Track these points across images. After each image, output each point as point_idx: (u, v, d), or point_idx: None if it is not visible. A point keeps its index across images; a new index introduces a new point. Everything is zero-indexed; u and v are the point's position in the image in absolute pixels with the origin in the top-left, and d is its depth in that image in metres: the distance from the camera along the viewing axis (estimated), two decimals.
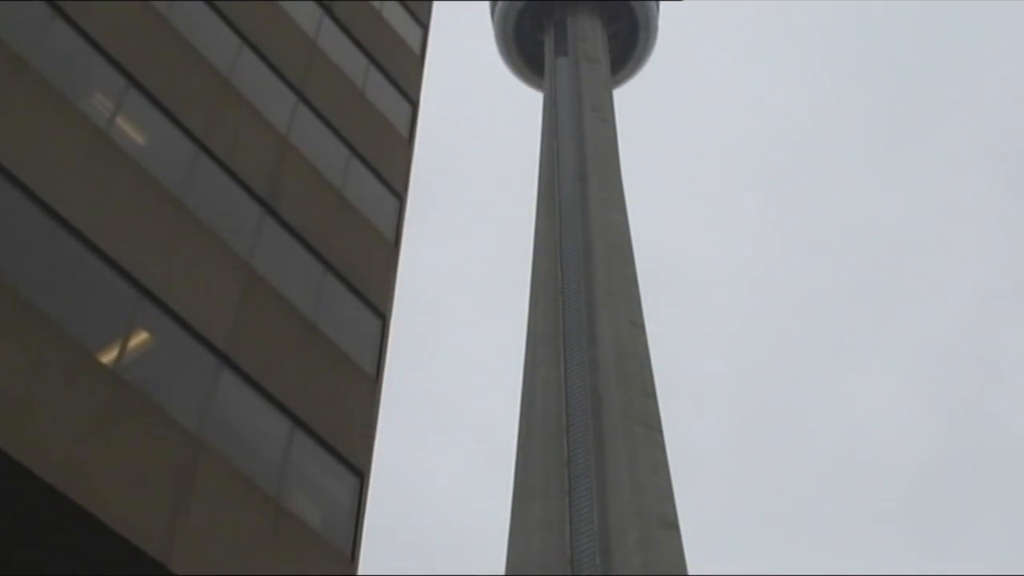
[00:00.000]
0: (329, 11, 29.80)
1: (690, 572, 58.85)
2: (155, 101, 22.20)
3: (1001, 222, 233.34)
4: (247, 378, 20.27)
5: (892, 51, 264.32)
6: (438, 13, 36.48)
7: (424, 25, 34.78)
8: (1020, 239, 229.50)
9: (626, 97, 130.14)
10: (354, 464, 21.61)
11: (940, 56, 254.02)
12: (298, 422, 20.75)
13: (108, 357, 18.01)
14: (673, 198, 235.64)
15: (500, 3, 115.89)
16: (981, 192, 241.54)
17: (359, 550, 20.68)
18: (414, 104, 31.57)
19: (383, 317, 24.98)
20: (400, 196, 28.28)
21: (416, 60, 33.19)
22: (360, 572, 20.69)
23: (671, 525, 61.26)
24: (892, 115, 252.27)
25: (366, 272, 25.15)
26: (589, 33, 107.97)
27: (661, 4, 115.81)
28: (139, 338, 19.04)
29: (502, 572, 63.32)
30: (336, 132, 27.11)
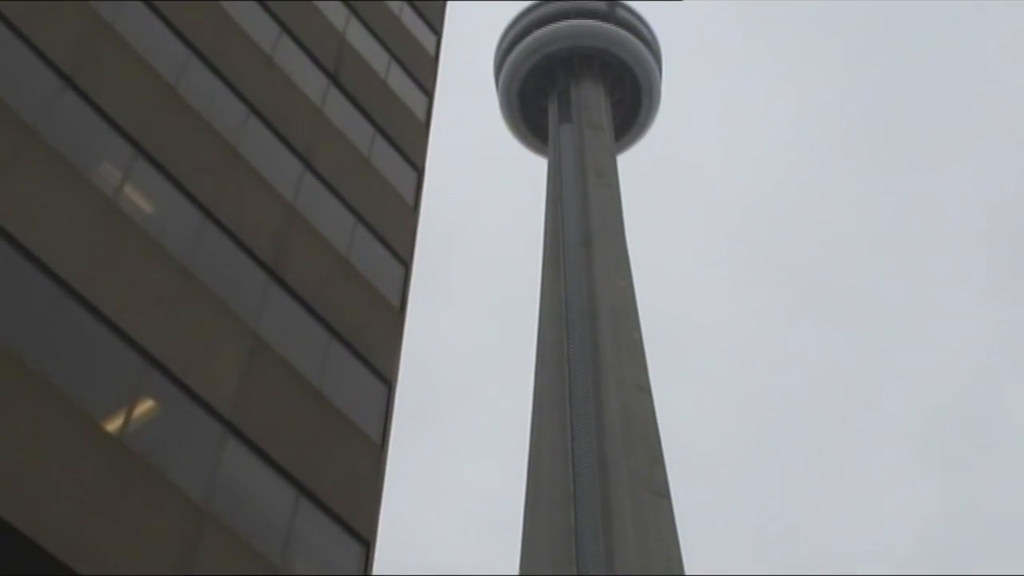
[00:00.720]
0: (335, 80, 30.04)
1: None
2: (163, 170, 22.34)
3: (993, 294, 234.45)
4: (252, 446, 20.18)
5: (890, 116, 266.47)
6: (443, 81, 36.77)
7: (429, 93, 35.03)
8: (1012, 312, 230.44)
9: (630, 159, 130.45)
10: (360, 532, 21.44)
11: (937, 120, 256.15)
12: (303, 490, 20.62)
13: (113, 426, 17.96)
14: (673, 264, 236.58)
15: (504, 72, 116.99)
16: (976, 264, 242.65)
17: None
18: (419, 171, 31.69)
19: (389, 384, 24.91)
20: (405, 262, 28.32)
21: (421, 128, 33.37)
22: None
23: None
24: (888, 182, 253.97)
25: (372, 338, 25.11)
26: (592, 100, 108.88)
27: (663, 68, 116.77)
28: (144, 406, 18.99)
29: None
30: (342, 199, 27.21)
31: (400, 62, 34.17)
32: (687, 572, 63.45)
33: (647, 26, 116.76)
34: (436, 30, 38.13)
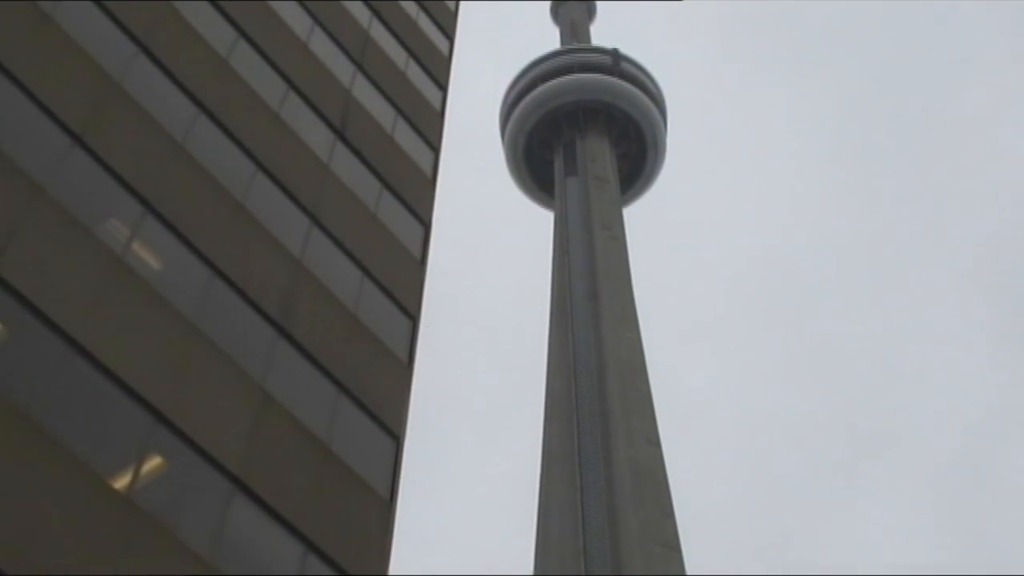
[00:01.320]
0: (342, 136, 30.22)
1: None
2: (170, 226, 22.44)
3: (992, 350, 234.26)
4: (260, 502, 20.08)
5: (891, 172, 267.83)
6: (449, 135, 36.97)
7: (435, 148, 35.18)
8: (1011, 368, 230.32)
9: (636, 210, 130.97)
10: None
11: (937, 177, 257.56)
12: (311, 546, 20.49)
13: (121, 483, 17.91)
14: (676, 318, 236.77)
15: (510, 125, 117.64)
16: (972, 320, 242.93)
17: None
18: (426, 225, 31.75)
19: (397, 438, 24.80)
20: (413, 317, 28.29)
21: (427, 182, 33.48)
22: None
23: None
24: (887, 242, 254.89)
25: (379, 393, 25.05)
26: (598, 153, 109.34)
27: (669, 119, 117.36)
28: (152, 463, 18.93)
29: None
30: (349, 254, 27.27)
31: (406, 117, 34.38)
32: None
33: (652, 79, 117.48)
34: (442, 85, 38.42)
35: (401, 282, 28.67)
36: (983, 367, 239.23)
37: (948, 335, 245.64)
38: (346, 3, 35.35)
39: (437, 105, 37.36)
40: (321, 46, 32.11)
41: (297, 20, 31.79)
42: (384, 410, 24.88)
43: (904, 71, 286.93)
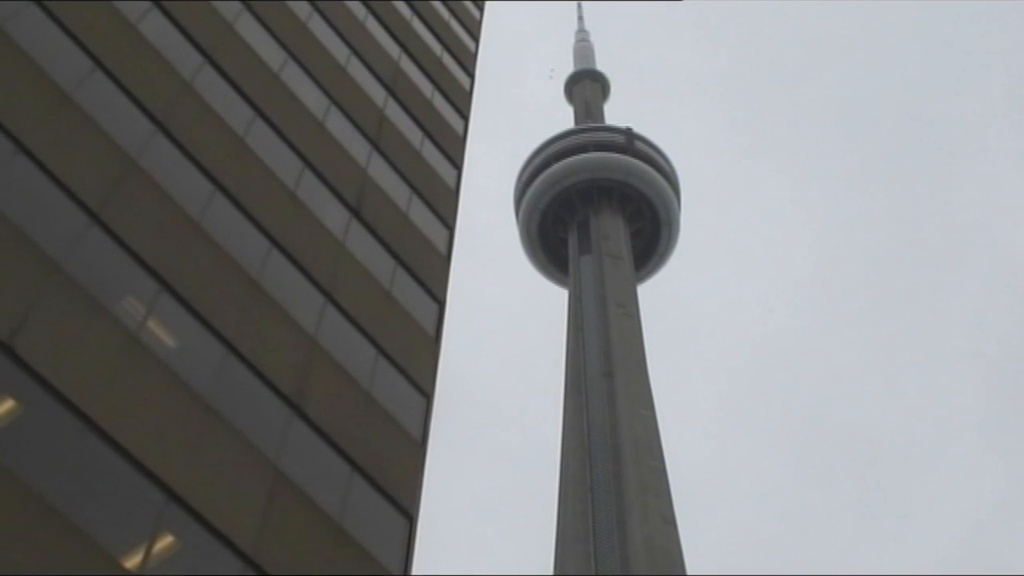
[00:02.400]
0: (357, 214, 30.36)
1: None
2: (186, 304, 22.46)
3: (995, 433, 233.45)
4: None
5: (888, 259, 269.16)
6: (464, 213, 37.15)
7: (450, 226, 35.32)
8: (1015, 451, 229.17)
9: (649, 287, 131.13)
10: None
11: (937, 268, 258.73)
12: None
13: (132, 562, 17.75)
14: (682, 402, 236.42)
15: (524, 204, 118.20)
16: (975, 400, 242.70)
17: None
18: (440, 303, 31.76)
19: (410, 518, 24.59)
20: (427, 395, 28.18)
21: (442, 260, 33.57)
22: None
23: None
24: (891, 328, 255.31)
25: (393, 472, 24.89)
26: (612, 231, 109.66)
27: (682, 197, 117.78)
28: (164, 542, 18.76)
29: None
30: (364, 332, 27.24)
31: (421, 196, 34.54)
32: None
33: (665, 157, 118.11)
34: (456, 164, 38.66)
35: (415, 360, 28.63)
36: (986, 457, 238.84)
37: (951, 425, 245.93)
38: (362, 82, 35.80)
39: (452, 184, 37.55)
40: (337, 125, 32.41)
41: (314, 99, 32.18)
42: (398, 489, 24.70)
43: (906, 156, 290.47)
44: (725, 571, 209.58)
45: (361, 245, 29.74)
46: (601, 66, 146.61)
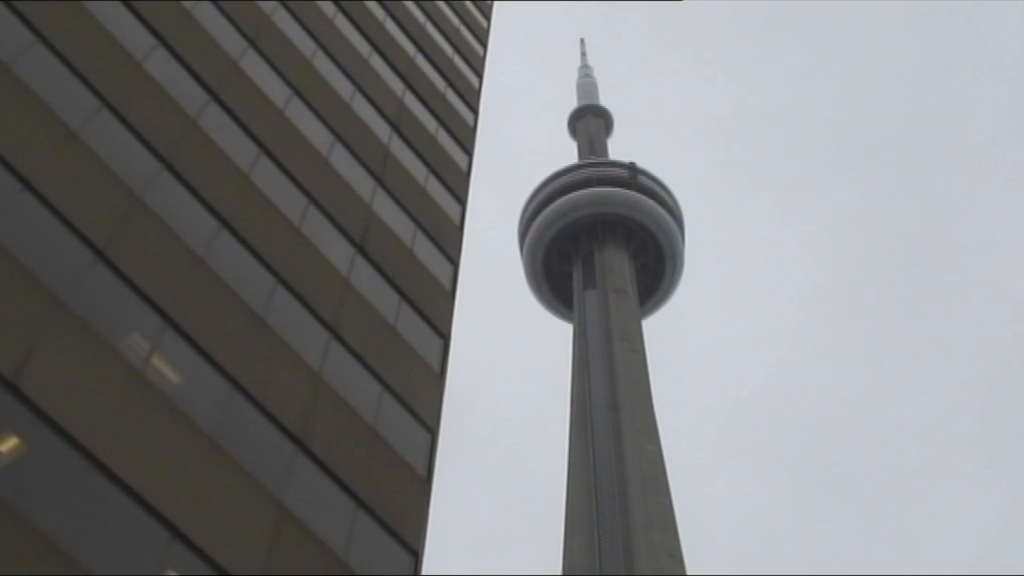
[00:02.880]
0: (362, 250, 30.36)
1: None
2: (190, 340, 22.44)
3: (997, 458, 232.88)
4: None
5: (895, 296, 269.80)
6: (468, 247, 37.18)
7: (454, 261, 35.33)
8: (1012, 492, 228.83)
9: (654, 321, 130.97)
10: None
11: (937, 298, 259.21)
12: None
13: None
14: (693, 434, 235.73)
15: (528, 238, 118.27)
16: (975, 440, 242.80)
17: None
18: (445, 339, 31.70)
19: (415, 554, 24.45)
20: (432, 430, 28.07)
21: (446, 295, 33.52)
22: None
23: None
24: (891, 360, 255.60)
25: (398, 508, 24.77)
26: (616, 266, 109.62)
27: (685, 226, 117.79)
28: None
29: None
30: (368, 368, 27.19)
31: (426, 231, 34.59)
32: None
33: (669, 192, 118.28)
34: (461, 199, 38.71)
35: (420, 395, 28.55)
36: (988, 482, 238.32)
37: (948, 458, 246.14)
38: (367, 119, 35.89)
39: (456, 219, 37.61)
40: (342, 161, 32.48)
41: (319, 135, 32.26)
42: (403, 525, 24.56)
43: (902, 187, 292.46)
44: None
45: (366, 281, 29.74)
46: (604, 101, 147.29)
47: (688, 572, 74.16)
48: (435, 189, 37.26)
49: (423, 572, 24.48)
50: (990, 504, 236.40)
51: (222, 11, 31.36)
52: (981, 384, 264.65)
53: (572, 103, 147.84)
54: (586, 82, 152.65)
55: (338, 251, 29.41)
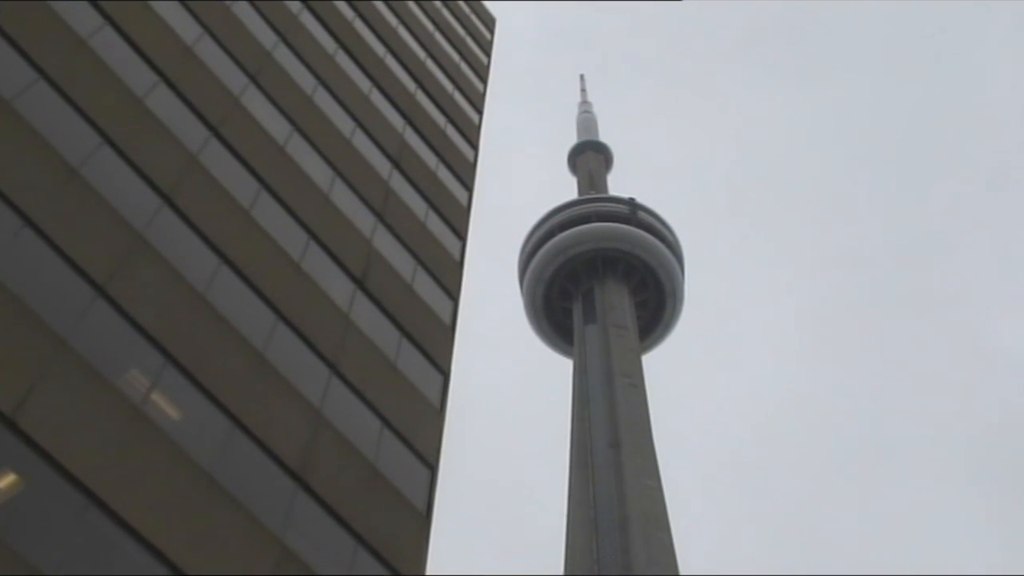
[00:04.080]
0: (362, 286, 30.36)
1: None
2: (191, 378, 22.40)
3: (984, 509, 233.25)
4: None
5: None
6: (468, 284, 37.19)
7: (454, 297, 35.32)
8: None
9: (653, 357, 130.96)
10: None
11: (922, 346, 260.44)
12: None
13: None
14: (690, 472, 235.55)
15: (528, 274, 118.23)
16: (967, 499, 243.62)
17: None
18: (445, 375, 31.66)
19: None
20: (432, 467, 27.99)
21: (447, 331, 33.50)
22: None
23: None
24: (880, 406, 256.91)
25: (398, 545, 24.66)
26: (617, 302, 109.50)
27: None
28: None
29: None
30: (368, 404, 27.11)
31: (426, 267, 34.60)
32: None
33: (668, 227, 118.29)
34: (461, 235, 38.80)
35: (420, 432, 28.45)
36: (976, 535, 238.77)
37: (938, 503, 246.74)
38: (367, 155, 35.97)
39: (456, 255, 37.67)
40: (343, 197, 32.54)
41: (319, 172, 32.32)
42: (403, 562, 24.40)
43: (890, 235, 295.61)
44: None
45: (366, 317, 29.70)
46: (604, 137, 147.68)
47: None
48: (435, 225, 37.34)
49: None
50: (980, 554, 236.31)
51: (223, 48, 31.53)
52: (970, 432, 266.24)
53: (572, 139, 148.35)
54: (586, 118, 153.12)
55: (338, 287, 29.40)
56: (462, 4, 57.37)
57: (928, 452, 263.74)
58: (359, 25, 42.21)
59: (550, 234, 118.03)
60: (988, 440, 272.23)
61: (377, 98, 39.76)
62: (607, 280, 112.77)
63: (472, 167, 43.87)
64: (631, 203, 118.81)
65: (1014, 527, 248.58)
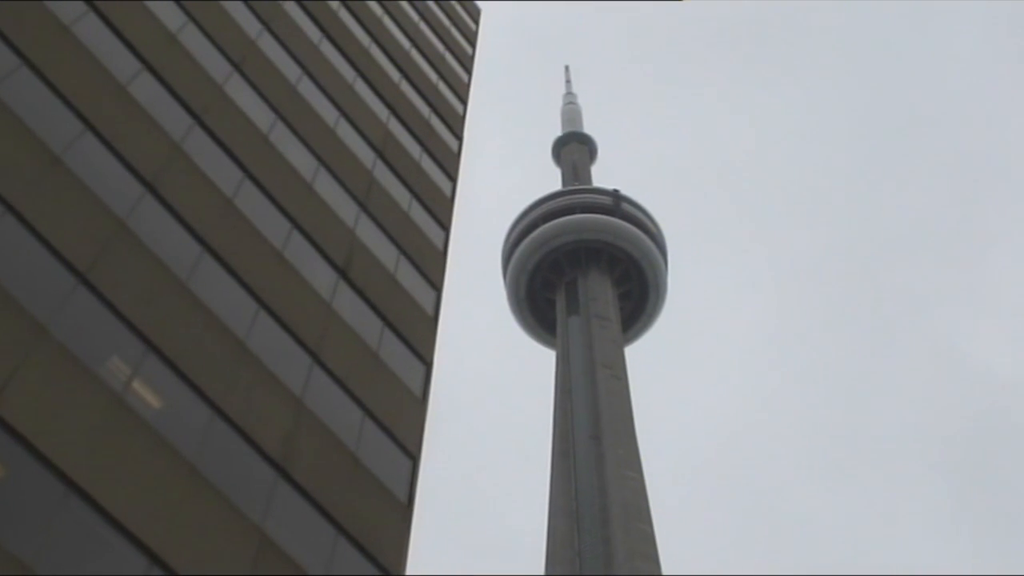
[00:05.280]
0: (345, 275, 30.32)
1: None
2: (172, 365, 22.35)
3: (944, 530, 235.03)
4: None
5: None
6: (451, 273, 37.19)
7: (437, 287, 35.30)
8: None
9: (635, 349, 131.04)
10: None
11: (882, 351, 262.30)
12: None
13: None
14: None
15: (511, 265, 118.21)
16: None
17: None
18: (428, 365, 31.64)
19: None
20: (414, 457, 27.97)
21: (430, 322, 33.49)
22: None
23: None
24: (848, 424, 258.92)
25: (379, 535, 24.63)
26: (600, 293, 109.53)
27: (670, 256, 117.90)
28: None
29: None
30: (350, 394, 27.08)
31: (409, 257, 34.57)
32: None
33: (652, 219, 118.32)
34: (444, 226, 38.77)
35: (402, 421, 28.44)
36: (938, 554, 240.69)
37: (903, 519, 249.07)
38: (351, 144, 35.94)
39: (440, 245, 37.65)
40: (326, 187, 32.49)
41: (303, 161, 32.26)
42: (384, 552, 24.42)
43: (865, 246, 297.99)
44: None
45: (349, 306, 29.66)
46: (588, 129, 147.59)
47: None
48: (419, 215, 37.28)
49: None
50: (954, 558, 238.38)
51: (207, 36, 31.47)
52: (933, 453, 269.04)
53: (556, 130, 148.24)
54: (570, 109, 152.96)
55: (321, 277, 29.36)
56: None
57: (899, 449, 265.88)
58: (344, 14, 42.17)
59: (533, 225, 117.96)
60: (957, 443, 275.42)
61: (361, 88, 39.71)
62: (590, 271, 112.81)
63: (456, 157, 43.84)
64: (615, 194, 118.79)
65: (983, 528, 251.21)
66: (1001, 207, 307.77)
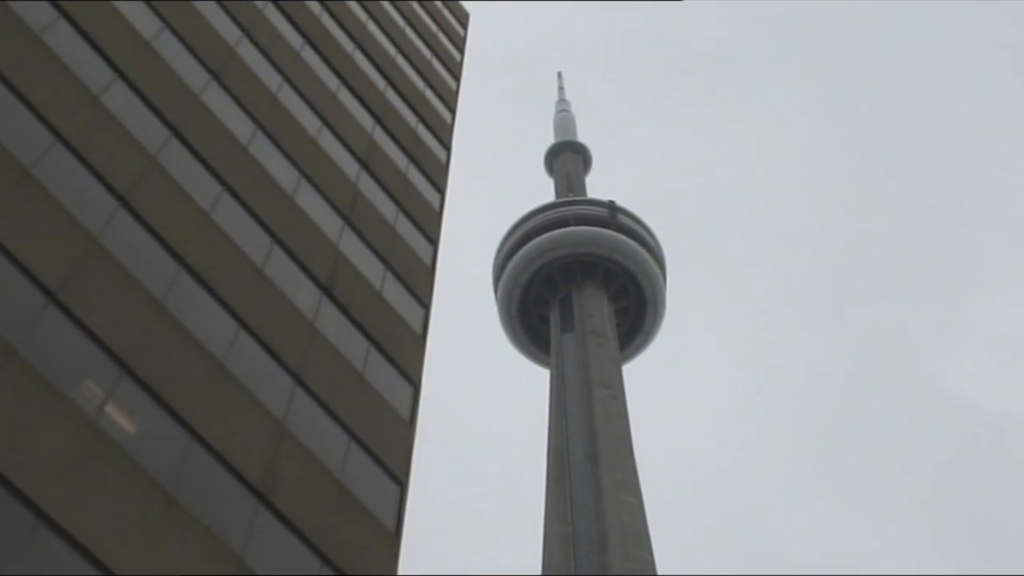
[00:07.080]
0: (329, 293, 30.01)
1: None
2: (148, 389, 21.96)
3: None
4: None
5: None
6: (440, 289, 36.84)
7: (425, 304, 35.05)
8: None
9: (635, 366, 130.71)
10: None
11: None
12: None
13: None
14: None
15: (503, 280, 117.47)
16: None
17: None
18: (415, 386, 31.37)
19: None
20: (401, 482, 27.64)
21: (417, 340, 33.21)
22: None
23: None
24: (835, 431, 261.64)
25: (366, 565, 24.19)
26: (595, 309, 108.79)
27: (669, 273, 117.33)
28: None
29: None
30: (335, 417, 26.72)
31: (396, 273, 34.26)
32: None
33: (650, 232, 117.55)
34: (433, 240, 38.56)
35: (389, 445, 28.03)
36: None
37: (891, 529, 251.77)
38: (334, 155, 35.74)
39: (428, 260, 37.39)
40: (308, 200, 32.25)
41: (284, 173, 32.01)
42: None
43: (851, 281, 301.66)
44: None
45: (333, 325, 29.30)
46: (582, 137, 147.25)
47: None
48: (405, 229, 37.03)
49: None
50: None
51: (184, 43, 31.29)
52: (923, 491, 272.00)
53: (549, 139, 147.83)
54: (563, 117, 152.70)
55: (304, 294, 29.04)
56: None
57: (890, 473, 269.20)
58: (326, 20, 42.19)
59: (526, 238, 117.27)
60: (943, 473, 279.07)
61: (345, 96, 39.52)
62: (585, 286, 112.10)
63: (445, 168, 43.92)
64: (611, 206, 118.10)
65: (966, 558, 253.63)
66: (989, 242, 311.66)
